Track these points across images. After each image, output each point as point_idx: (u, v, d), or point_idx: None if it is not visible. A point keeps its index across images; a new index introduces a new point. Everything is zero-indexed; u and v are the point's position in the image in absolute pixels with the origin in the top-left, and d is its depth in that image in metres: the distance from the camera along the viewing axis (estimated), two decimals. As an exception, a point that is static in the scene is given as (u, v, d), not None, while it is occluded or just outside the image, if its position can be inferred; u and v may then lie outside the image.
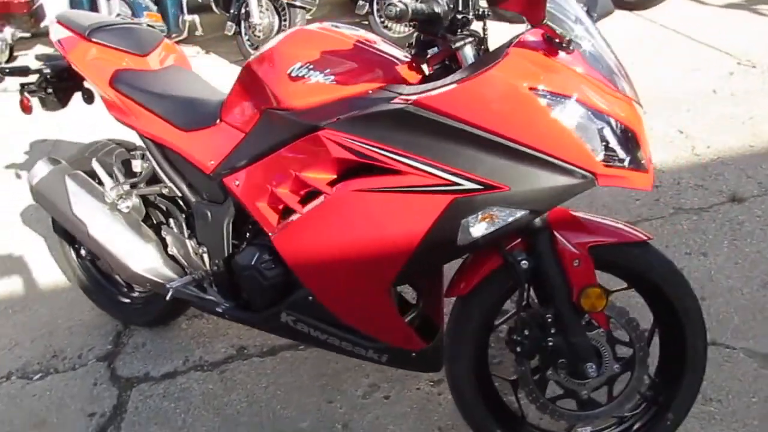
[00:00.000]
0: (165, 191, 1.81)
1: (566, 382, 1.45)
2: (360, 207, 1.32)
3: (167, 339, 2.15)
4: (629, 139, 1.23)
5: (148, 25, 2.09)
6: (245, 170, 1.52)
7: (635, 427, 1.56)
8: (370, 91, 1.32)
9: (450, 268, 1.47)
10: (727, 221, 2.49)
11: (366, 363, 1.63)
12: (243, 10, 4.40)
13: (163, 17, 4.74)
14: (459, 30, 1.26)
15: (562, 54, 1.20)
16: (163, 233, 1.85)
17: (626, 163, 1.22)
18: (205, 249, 1.72)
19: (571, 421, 1.53)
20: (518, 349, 1.42)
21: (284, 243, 1.46)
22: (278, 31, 4.38)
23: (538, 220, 1.32)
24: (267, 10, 4.41)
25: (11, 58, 4.84)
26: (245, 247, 1.63)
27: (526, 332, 1.41)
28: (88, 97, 2.11)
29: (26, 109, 2.09)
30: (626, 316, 1.44)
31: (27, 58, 5.02)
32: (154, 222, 1.95)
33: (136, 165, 1.88)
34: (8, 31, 4.71)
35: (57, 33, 1.92)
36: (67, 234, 2.12)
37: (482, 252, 1.42)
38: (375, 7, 4.53)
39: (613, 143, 1.22)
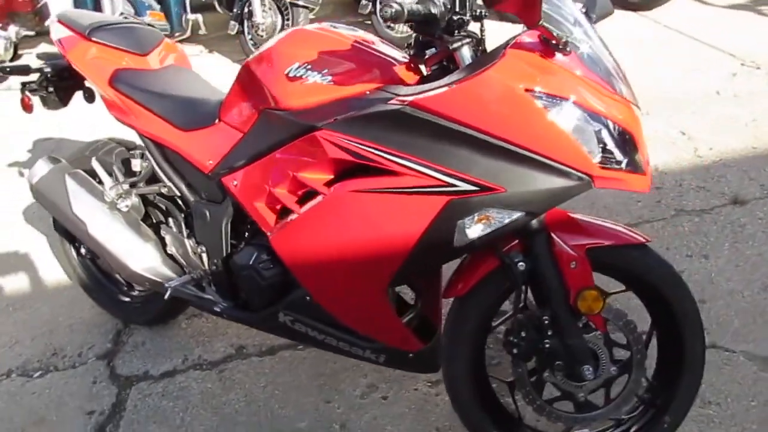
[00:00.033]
0: (164, 190, 1.82)
1: (563, 384, 1.45)
2: (356, 208, 1.32)
3: (167, 338, 2.16)
4: (627, 142, 1.23)
5: (150, 24, 2.08)
6: (243, 170, 1.53)
7: (633, 429, 1.55)
8: (368, 92, 1.32)
9: (449, 269, 1.47)
10: (729, 223, 2.48)
11: (364, 363, 1.63)
12: (246, 9, 4.40)
13: (166, 16, 4.74)
14: (456, 31, 1.25)
15: (558, 55, 1.20)
16: (162, 232, 1.85)
17: (623, 166, 1.22)
18: (203, 248, 1.72)
19: (568, 424, 1.53)
20: (515, 350, 1.42)
21: (282, 243, 1.47)
22: (281, 31, 4.38)
23: (535, 222, 1.32)
24: (270, 9, 4.41)
25: (16, 56, 4.86)
26: (243, 246, 1.63)
27: (523, 334, 1.41)
28: (89, 96, 2.12)
29: (27, 107, 2.09)
30: (624, 319, 1.43)
31: (31, 56, 5.02)
32: (154, 221, 1.95)
33: (136, 164, 1.88)
34: (13, 30, 4.72)
35: (57, 32, 1.92)
36: (67, 232, 2.12)
37: (479, 253, 1.42)
38: (378, 6, 4.53)
39: (611, 145, 1.21)
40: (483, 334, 1.50)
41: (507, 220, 1.24)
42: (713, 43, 4.21)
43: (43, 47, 5.12)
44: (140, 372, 2.03)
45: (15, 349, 2.17)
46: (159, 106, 1.72)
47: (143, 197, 1.91)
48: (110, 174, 1.93)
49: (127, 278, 1.97)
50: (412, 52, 1.40)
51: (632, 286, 1.47)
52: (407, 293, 1.71)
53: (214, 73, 3.15)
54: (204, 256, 1.72)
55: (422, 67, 1.40)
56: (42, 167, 1.97)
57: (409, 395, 1.85)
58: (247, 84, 1.53)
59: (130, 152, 1.91)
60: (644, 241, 1.40)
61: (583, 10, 1.32)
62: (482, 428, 1.53)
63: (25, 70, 2.06)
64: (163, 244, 1.86)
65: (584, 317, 1.39)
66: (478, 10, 1.26)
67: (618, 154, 1.22)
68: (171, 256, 1.85)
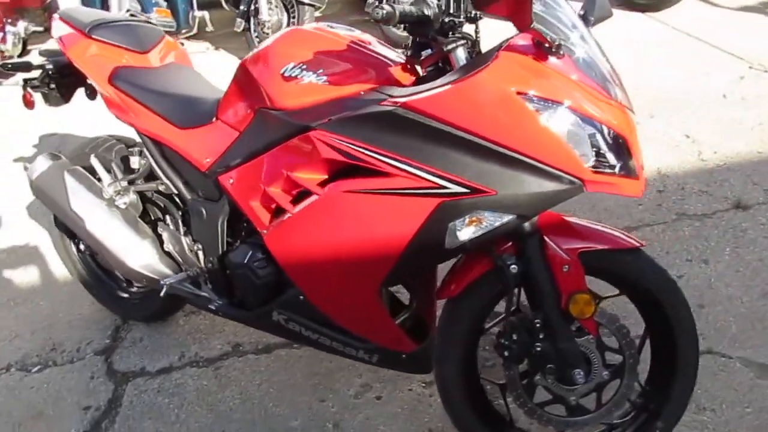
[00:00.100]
0: (162, 188, 1.82)
1: (554, 388, 1.44)
2: (349, 208, 1.32)
3: (164, 334, 2.17)
4: (621, 146, 1.22)
5: (151, 22, 2.08)
6: (239, 169, 1.53)
7: (625, 434, 1.55)
8: (362, 93, 1.32)
9: (444, 270, 1.47)
10: (730, 228, 2.47)
11: (359, 363, 1.63)
12: (252, 7, 4.41)
13: (172, 13, 4.75)
14: (450, 32, 1.25)
15: (552, 59, 1.19)
16: (160, 230, 1.86)
17: (616, 170, 1.21)
18: (200, 246, 1.73)
19: (560, 427, 1.52)
20: (506, 353, 1.42)
21: (275, 242, 1.47)
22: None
23: (528, 225, 1.32)
24: (276, 7, 4.41)
25: (24, 52, 4.88)
26: (239, 245, 1.64)
27: (515, 336, 1.40)
28: (91, 93, 2.12)
29: (29, 104, 2.10)
30: (616, 323, 1.43)
31: (40, 52, 5.06)
32: (151, 218, 1.96)
33: (135, 161, 1.89)
34: (21, 25, 4.74)
35: (58, 29, 1.93)
36: (67, 229, 2.14)
37: (473, 255, 1.42)
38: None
39: (604, 150, 1.20)
40: (475, 336, 1.50)
41: (498, 223, 1.24)
42: (721, 46, 4.17)
43: (52, 43, 5.14)
44: (137, 368, 2.04)
45: (15, 343, 2.19)
46: (157, 104, 1.73)
47: (141, 194, 1.92)
48: (109, 171, 1.94)
49: (124, 274, 1.98)
50: (408, 53, 1.40)
51: (626, 291, 1.46)
52: (403, 294, 1.71)
53: (219, 70, 3.16)
54: (200, 253, 1.73)
55: (418, 68, 1.40)
56: (41, 164, 1.98)
57: (403, 395, 1.85)
58: (244, 83, 1.54)
59: (129, 149, 1.92)
60: (638, 245, 1.39)
61: (582, 13, 1.31)
62: (473, 430, 1.53)
63: (27, 66, 2.08)
64: (160, 242, 1.87)
65: (576, 321, 1.38)
66: (473, 12, 1.25)
67: (611, 159, 1.21)
68: (168, 254, 1.86)
